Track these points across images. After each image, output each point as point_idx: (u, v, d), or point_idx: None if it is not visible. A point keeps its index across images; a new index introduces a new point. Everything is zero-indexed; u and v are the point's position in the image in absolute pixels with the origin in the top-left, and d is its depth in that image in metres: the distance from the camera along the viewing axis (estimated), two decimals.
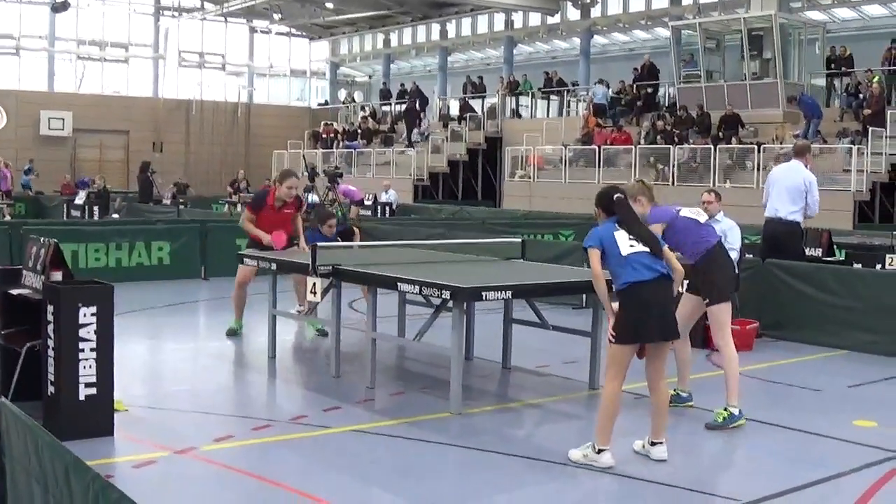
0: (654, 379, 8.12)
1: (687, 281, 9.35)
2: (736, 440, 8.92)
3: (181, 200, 34.02)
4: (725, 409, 9.13)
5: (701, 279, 9.24)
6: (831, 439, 8.89)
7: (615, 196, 8.08)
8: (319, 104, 58.81)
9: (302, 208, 13.51)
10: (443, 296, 9.21)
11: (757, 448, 8.73)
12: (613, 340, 7.84)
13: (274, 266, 11.57)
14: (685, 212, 9.34)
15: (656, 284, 7.84)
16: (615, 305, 7.91)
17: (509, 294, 9.54)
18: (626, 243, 7.89)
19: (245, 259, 12.35)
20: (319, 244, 11.12)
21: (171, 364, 12.23)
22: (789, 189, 14.19)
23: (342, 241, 13.80)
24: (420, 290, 9.49)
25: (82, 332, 7.94)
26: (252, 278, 13.07)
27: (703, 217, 9.52)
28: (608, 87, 39.77)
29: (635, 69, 40.16)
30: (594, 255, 7.92)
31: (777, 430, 9.14)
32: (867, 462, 8.17)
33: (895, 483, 7.70)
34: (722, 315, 9.32)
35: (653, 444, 8.14)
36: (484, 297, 9.18)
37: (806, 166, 14.40)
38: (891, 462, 8.19)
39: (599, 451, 7.80)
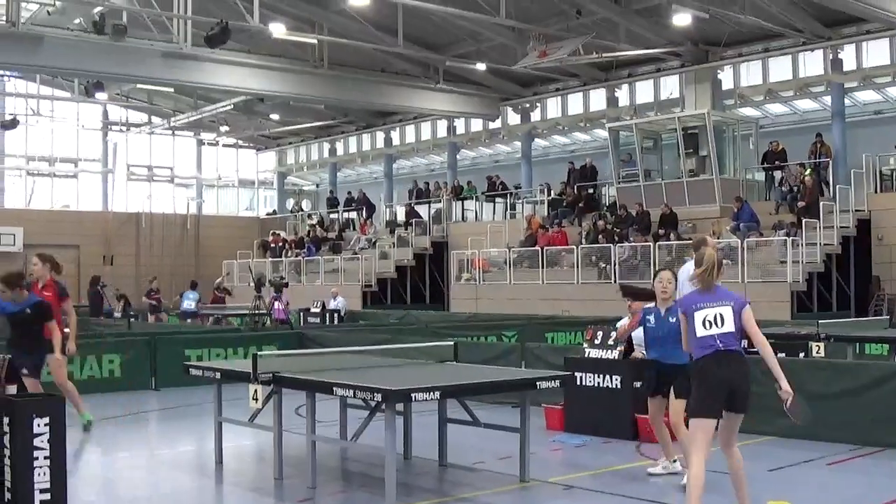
0: None
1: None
2: None
3: (132, 313, 34.22)
4: None
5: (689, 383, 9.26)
6: None
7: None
8: (268, 213, 59.41)
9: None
10: (375, 398, 9.77)
11: None
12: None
13: (218, 375, 12.09)
14: None
15: None
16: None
17: (437, 394, 10.07)
18: None
19: (190, 369, 12.82)
20: (259, 354, 11.53)
21: (123, 472, 12.60)
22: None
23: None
24: (354, 394, 10.04)
25: (36, 441, 8.45)
26: None
27: None
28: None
29: (570, 162, 41.64)
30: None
31: None
32: None
33: None
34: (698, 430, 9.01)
35: None
36: (413, 398, 9.72)
37: None
38: None
39: None
